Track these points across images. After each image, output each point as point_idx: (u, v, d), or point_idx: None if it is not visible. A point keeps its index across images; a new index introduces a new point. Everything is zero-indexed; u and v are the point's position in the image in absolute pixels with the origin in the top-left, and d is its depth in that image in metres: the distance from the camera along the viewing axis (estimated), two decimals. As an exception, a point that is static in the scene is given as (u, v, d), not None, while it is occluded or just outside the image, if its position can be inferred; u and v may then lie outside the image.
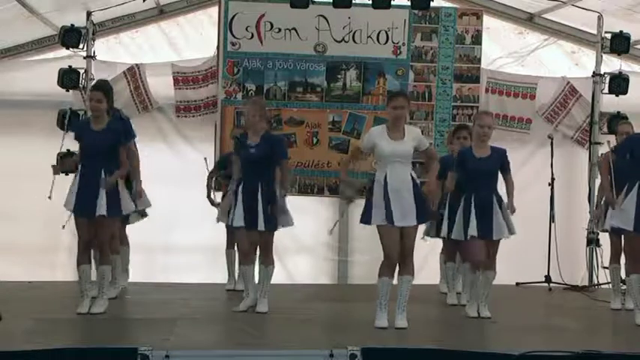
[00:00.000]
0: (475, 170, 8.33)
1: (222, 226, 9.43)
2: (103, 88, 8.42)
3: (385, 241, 7.65)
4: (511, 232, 8.42)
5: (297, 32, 11.59)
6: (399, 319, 7.59)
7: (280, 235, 11.75)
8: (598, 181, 11.54)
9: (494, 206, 8.32)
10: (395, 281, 7.75)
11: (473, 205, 8.25)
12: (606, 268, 10.92)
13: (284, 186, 8.45)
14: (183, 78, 11.67)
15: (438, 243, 11.80)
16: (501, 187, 8.63)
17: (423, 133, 11.10)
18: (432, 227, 9.46)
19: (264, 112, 8.61)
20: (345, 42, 11.64)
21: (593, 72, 11.70)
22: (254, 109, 8.52)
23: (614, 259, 9.39)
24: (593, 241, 11.33)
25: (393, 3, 10.89)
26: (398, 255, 7.63)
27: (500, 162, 8.45)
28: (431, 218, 8.20)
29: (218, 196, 10.08)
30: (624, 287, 9.41)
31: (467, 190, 8.36)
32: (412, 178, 7.66)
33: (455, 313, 9.08)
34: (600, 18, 11.38)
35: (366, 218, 7.73)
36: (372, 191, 7.69)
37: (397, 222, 7.56)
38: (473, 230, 8.23)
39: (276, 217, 8.37)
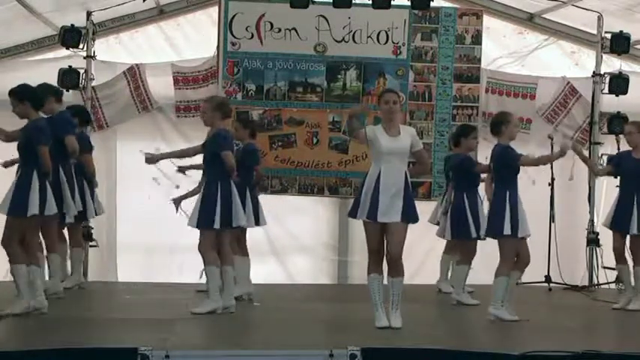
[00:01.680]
0: (518, 168, 8.37)
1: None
2: (11, 91, 8.32)
3: (368, 237, 7.64)
4: None
5: (297, 32, 11.59)
6: (394, 319, 7.56)
7: (280, 235, 11.84)
8: (598, 182, 11.59)
9: None
10: (385, 281, 7.71)
11: (518, 203, 8.24)
12: (606, 268, 10.95)
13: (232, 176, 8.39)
14: (183, 78, 11.66)
15: (436, 243, 11.84)
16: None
17: (423, 133, 11.23)
18: (474, 228, 9.38)
19: (220, 110, 8.40)
20: (345, 42, 11.64)
21: (593, 72, 11.70)
22: (203, 106, 8.54)
23: (620, 259, 9.34)
24: (593, 241, 11.34)
25: (393, 3, 10.88)
26: (382, 250, 7.59)
27: None
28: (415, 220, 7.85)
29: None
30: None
31: (512, 187, 8.28)
32: (406, 177, 7.62)
33: (454, 312, 9.08)
34: (600, 18, 11.38)
35: (352, 212, 7.74)
36: (363, 185, 7.68)
37: (379, 218, 7.51)
38: (528, 230, 8.27)
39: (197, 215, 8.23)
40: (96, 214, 10.13)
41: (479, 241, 9.49)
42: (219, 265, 8.25)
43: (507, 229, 8.15)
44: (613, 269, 10.86)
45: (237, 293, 9.07)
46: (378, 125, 7.74)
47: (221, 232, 8.33)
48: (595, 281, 11.20)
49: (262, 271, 11.77)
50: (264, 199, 11.71)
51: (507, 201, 8.18)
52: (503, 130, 8.30)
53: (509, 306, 8.24)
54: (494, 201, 8.32)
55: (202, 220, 8.21)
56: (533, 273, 10.89)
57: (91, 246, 11.26)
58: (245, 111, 11.58)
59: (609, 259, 10.86)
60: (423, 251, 11.53)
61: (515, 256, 8.27)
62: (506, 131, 8.30)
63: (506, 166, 8.27)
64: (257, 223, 9.40)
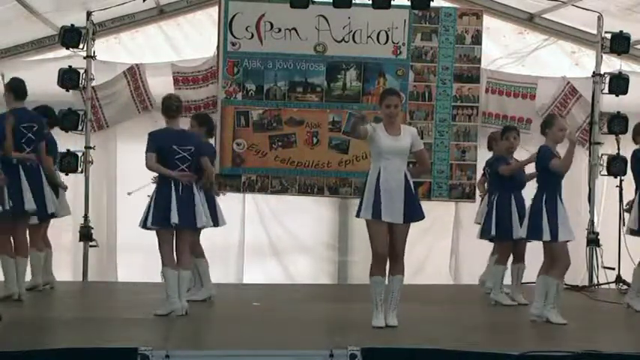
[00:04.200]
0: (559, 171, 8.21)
1: (221, 226, 9.44)
2: None
3: (372, 236, 7.60)
4: None
5: (297, 32, 11.59)
6: (390, 318, 7.57)
7: (280, 235, 11.83)
8: (598, 182, 11.59)
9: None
10: (387, 281, 7.69)
11: (561, 206, 8.09)
12: (606, 268, 10.94)
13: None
14: (183, 78, 11.66)
15: (437, 243, 11.84)
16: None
17: (423, 133, 11.22)
18: (494, 229, 9.35)
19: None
20: (345, 42, 11.64)
21: (593, 72, 11.70)
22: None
23: None
24: (593, 241, 11.34)
25: (393, 3, 10.88)
26: (387, 251, 7.57)
27: None
28: (419, 219, 7.81)
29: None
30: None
31: (550, 190, 8.15)
32: (406, 176, 7.60)
33: (455, 312, 9.08)
34: (600, 18, 11.38)
35: (357, 211, 7.73)
36: (365, 185, 7.66)
37: (384, 217, 7.49)
38: (568, 234, 8.08)
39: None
40: (58, 216, 9.90)
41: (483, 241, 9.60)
42: (174, 268, 8.08)
43: (547, 235, 8.06)
44: (613, 269, 10.90)
45: (203, 296, 9.04)
46: (379, 123, 7.71)
47: (179, 234, 8.19)
48: (595, 281, 11.20)
49: (262, 271, 11.81)
50: (264, 198, 11.80)
51: (544, 204, 8.08)
52: (547, 132, 8.26)
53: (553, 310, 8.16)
54: (532, 204, 8.22)
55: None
56: (533, 273, 10.91)
57: (91, 246, 11.28)
58: (245, 111, 11.60)
59: (609, 259, 10.88)
60: (424, 251, 11.53)
61: (568, 260, 8.12)
62: (550, 134, 8.23)
63: (543, 168, 8.18)
64: (215, 223, 9.17)
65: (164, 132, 8.26)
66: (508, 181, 9.34)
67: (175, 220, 8.02)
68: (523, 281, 9.70)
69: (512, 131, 9.59)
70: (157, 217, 8.02)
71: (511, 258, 9.53)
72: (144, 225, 8.08)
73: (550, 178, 8.18)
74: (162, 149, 8.12)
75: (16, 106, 8.82)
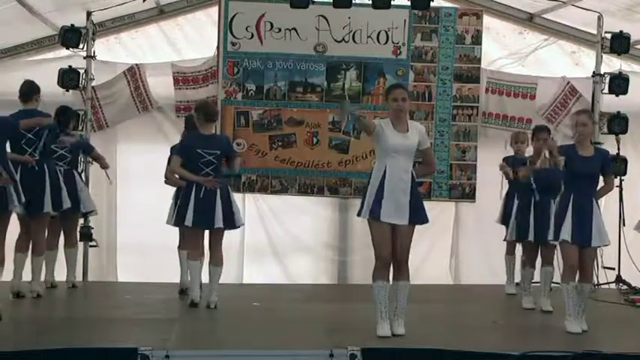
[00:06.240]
0: (578, 171, 7.80)
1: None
2: None
3: (374, 238, 7.32)
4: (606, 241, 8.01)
5: (297, 32, 11.59)
6: (396, 326, 7.32)
7: (280, 235, 11.83)
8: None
9: (594, 211, 7.81)
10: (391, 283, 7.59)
11: (571, 207, 7.77)
12: (606, 268, 10.93)
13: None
14: (183, 78, 11.67)
15: (436, 243, 11.83)
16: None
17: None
18: (513, 231, 9.32)
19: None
20: (345, 42, 11.64)
21: (593, 72, 11.70)
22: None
23: None
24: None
25: (393, 3, 10.88)
26: (389, 253, 7.26)
27: (601, 163, 7.94)
28: (423, 222, 7.51)
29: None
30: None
31: (566, 189, 7.88)
32: (412, 175, 7.33)
33: (455, 312, 9.08)
34: (600, 18, 11.39)
35: (359, 210, 7.45)
36: (369, 184, 7.41)
37: (384, 217, 7.22)
38: (566, 234, 7.74)
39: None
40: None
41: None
42: (194, 259, 8.80)
43: (550, 235, 7.97)
44: (613, 269, 10.89)
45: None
46: (386, 119, 7.42)
47: (211, 233, 8.66)
48: (595, 281, 11.17)
49: (262, 271, 11.81)
50: (264, 198, 11.80)
51: (557, 204, 7.97)
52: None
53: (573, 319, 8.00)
54: None
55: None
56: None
57: (91, 246, 11.28)
58: (245, 111, 11.60)
59: (609, 259, 10.88)
60: (424, 251, 11.52)
61: (571, 261, 7.82)
62: (573, 131, 8.10)
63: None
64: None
65: (194, 136, 8.71)
66: (528, 182, 9.03)
67: (189, 224, 8.46)
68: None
69: (542, 132, 9.24)
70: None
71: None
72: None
73: (567, 178, 7.92)
74: (188, 153, 8.52)
75: (24, 108, 8.97)
